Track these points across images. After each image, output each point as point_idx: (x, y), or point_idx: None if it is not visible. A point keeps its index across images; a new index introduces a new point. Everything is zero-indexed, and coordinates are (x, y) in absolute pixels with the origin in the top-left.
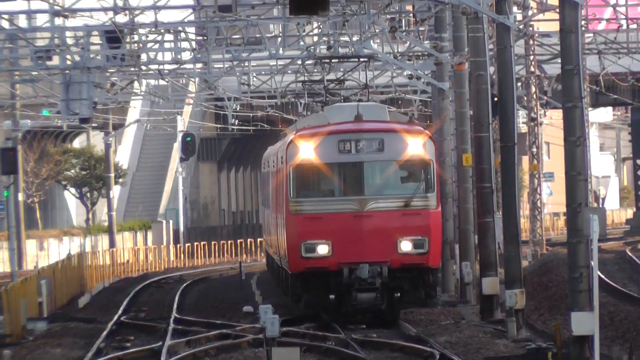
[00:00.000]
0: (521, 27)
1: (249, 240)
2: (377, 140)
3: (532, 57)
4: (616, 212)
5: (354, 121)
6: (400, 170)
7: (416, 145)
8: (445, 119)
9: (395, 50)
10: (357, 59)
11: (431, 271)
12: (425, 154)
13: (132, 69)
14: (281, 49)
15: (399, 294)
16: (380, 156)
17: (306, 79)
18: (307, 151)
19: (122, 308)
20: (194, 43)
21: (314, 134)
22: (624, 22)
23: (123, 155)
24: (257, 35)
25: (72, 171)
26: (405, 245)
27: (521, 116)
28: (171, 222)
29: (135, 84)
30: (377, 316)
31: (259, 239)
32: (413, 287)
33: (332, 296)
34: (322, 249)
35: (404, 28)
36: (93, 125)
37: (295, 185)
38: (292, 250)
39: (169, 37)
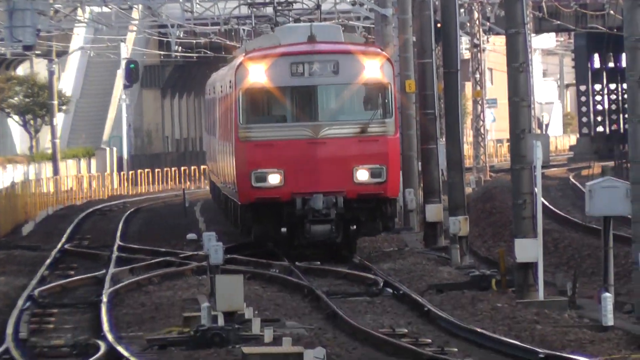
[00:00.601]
0: None
1: (192, 167)
2: (331, 62)
3: None
4: (559, 138)
5: (307, 42)
6: (356, 94)
7: (373, 68)
8: (388, 46)
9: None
10: None
11: (389, 201)
12: (383, 77)
13: None
14: None
15: (355, 226)
16: (334, 79)
17: (241, 11)
18: (258, 74)
19: (65, 236)
20: None
21: (264, 55)
22: None
23: (66, 82)
24: None
25: (16, 99)
26: (362, 175)
27: (464, 42)
28: (115, 149)
29: (79, 11)
30: (332, 250)
31: (202, 167)
32: (370, 219)
33: (284, 229)
34: (274, 179)
35: None
36: (36, 52)
37: (245, 111)
38: (241, 179)
39: None
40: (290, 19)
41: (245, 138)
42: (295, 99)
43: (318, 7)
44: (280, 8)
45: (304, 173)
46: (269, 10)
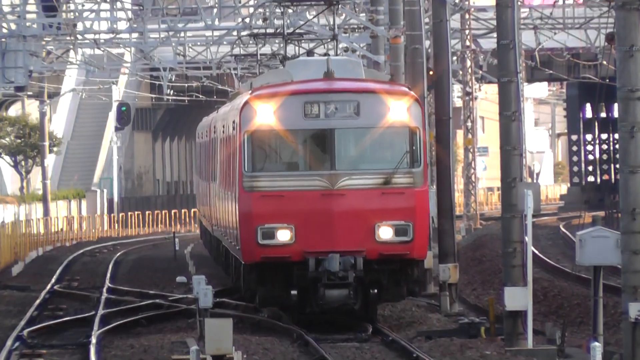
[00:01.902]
0: (457, 1)
1: (183, 210)
2: (351, 102)
3: (467, 32)
4: (550, 187)
5: (324, 79)
6: (379, 139)
7: (399, 109)
8: None
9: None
10: (322, 1)
11: (416, 263)
12: (411, 120)
13: (68, 37)
14: (217, 19)
15: (376, 291)
16: (355, 122)
17: (241, 51)
18: (266, 115)
19: (55, 277)
20: (130, 12)
21: (274, 93)
22: None
23: (58, 124)
24: (193, 6)
25: (7, 139)
26: (385, 232)
27: (456, 90)
28: (105, 191)
29: (71, 52)
30: (349, 317)
31: (192, 209)
32: (393, 283)
33: (293, 292)
34: (283, 235)
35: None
36: (28, 93)
37: (251, 157)
38: (245, 235)
39: (105, 6)
40: (301, 50)
41: (251, 188)
42: (309, 144)
43: (334, 37)
44: (290, 39)
45: (318, 229)
46: (267, 48)
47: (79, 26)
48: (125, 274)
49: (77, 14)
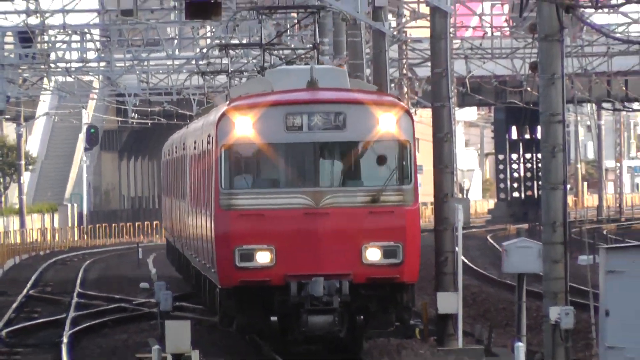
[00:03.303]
0: (395, 33)
1: (146, 223)
2: (337, 114)
3: (404, 61)
4: (479, 202)
5: (307, 89)
6: (367, 154)
7: (388, 122)
8: None
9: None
10: (303, 10)
11: (406, 288)
12: (400, 133)
13: (42, 66)
14: (177, 49)
15: (362, 317)
16: (340, 135)
17: (207, 68)
18: (244, 127)
19: (30, 283)
20: (98, 44)
21: (253, 104)
22: (488, 30)
23: (33, 144)
24: (156, 37)
25: None
26: (373, 254)
27: None
28: (76, 205)
29: (45, 80)
30: (333, 345)
31: (155, 222)
32: (382, 309)
33: (274, 319)
34: (263, 257)
35: (288, 33)
36: (6, 117)
37: (228, 173)
38: (222, 257)
39: (75, 37)
40: (280, 61)
41: (228, 206)
42: (291, 159)
43: (315, 47)
44: (269, 49)
45: (301, 251)
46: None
47: (52, 56)
48: (94, 280)
49: (50, 45)
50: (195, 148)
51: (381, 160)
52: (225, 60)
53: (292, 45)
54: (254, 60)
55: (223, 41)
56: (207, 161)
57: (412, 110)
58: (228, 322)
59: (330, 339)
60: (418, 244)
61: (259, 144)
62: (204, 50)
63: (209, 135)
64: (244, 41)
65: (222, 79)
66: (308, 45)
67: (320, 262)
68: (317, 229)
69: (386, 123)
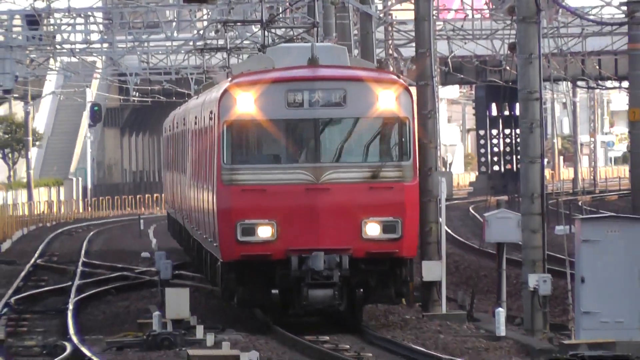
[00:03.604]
0: (381, 15)
1: (147, 195)
2: (337, 91)
3: (390, 42)
4: (461, 175)
5: (308, 66)
6: (366, 130)
7: (388, 99)
8: None
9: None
10: None
11: (405, 262)
12: (400, 110)
13: (48, 47)
14: (176, 31)
15: (362, 291)
16: (341, 112)
17: (196, 60)
18: (246, 104)
19: (37, 253)
20: (101, 26)
21: (254, 81)
22: (469, 12)
23: (40, 121)
24: (155, 20)
25: None
26: (373, 229)
27: None
28: (80, 179)
29: (51, 60)
30: (332, 317)
31: (155, 194)
32: (381, 283)
33: (275, 291)
34: (264, 232)
35: (280, 16)
36: (14, 95)
37: (230, 148)
38: (224, 231)
39: (80, 20)
40: (279, 39)
41: (230, 181)
42: (292, 135)
43: (314, 25)
44: (269, 27)
45: (302, 226)
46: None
47: (58, 38)
48: (98, 250)
49: (55, 27)
50: (196, 124)
51: (381, 136)
52: (222, 40)
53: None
54: (250, 39)
55: (219, 25)
56: (209, 137)
57: None
58: (229, 295)
59: (330, 312)
60: (417, 220)
61: (260, 120)
62: (201, 31)
63: (210, 112)
64: (239, 24)
65: (218, 57)
66: (307, 23)
67: (320, 237)
68: (318, 204)
69: (386, 100)
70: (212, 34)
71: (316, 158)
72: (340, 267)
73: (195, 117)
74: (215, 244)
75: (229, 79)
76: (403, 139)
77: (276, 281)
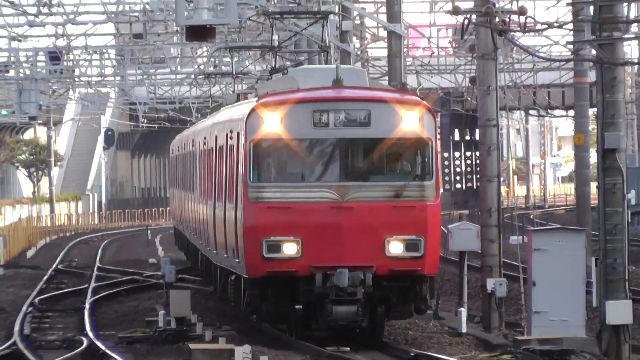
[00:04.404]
0: (359, 52)
1: (154, 209)
2: (362, 112)
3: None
4: None
5: (333, 87)
6: (390, 150)
7: (411, 120)
8: None
9: (264, 67)
10: (313, 15)
11: (425, 279)
12: (423, 131)
13: (68, 80)
14: (179, 66)
15: (383, 308)
16: (366, 132)
17: (197, 91)
18: (273, 123)
19: (59, 259)
20: (114, 61)
21: (281, 101)
22: (435, 50)
23: (61, 144)
24: (162, 56)
25: (23, 156)
26: (396, 247)
27: None
28: (96, 195)
29: (70, 91)
30: (353, 333)
31: (161, 208)
32: (402, 300)
33: (298, 307)
34: (290, 249)
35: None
36: (39, 122)
37: (256, 167)
38: (250, 248)
39: (95, 56)
40: (288, 63)
41: (256, 199)
42: (317, 154)
43: (323, 49)
44: (280, 51)
45: (326, 243)
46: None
47: (76, 72)
48: (111, 257)
49: (75, 62)
50: (204, 144)
51: (404, 156)
52: (225, 67)
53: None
54: (254, 65)
55: (217, 60)
56: (233, 155)
57: None
58: (252, 310)
59: (352, 328)
60: (438, 238)
61: (286, 139)
62: (202, 66)
63: (231, 131)
64: (235, 59)
65: (220, 85)
66: (317, 48)
67: (344, 254)
68: (342, 222)
69: (409, 121)
70: (211, 68)
71: (341, 177)
72: (364, 284)
73: (204, 138)
74: (237, 260)
75: (255, 98)
76: (426, 159)
77: (300, 297)
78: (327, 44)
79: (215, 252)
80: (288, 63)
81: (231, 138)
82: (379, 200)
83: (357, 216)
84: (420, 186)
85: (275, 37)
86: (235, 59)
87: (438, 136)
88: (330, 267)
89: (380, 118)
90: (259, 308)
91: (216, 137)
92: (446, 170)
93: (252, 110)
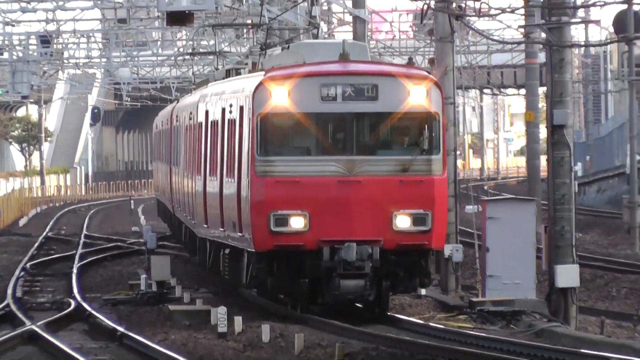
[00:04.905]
0: (326, 36)
1: (136, 181)
2: (369, 86)
3: None
4: None
5: (339, 61)
6: (398, 124)
7: (419, 94)
8: None
9: (245, 47)
10: None
11: (430, 253)
12: (430, 105)
13: (57, 62)
14: (160, 49)
15: (389, 282)
16: (373, 106)
17: (177, 71)
18: (280, 97)
19: (49, 227)
20: (100, 44)
21: (288, 75)
22: (397, 33)
23: (51, 121)
24: (144, 40)
25: (16, 132)
26: (403, 221)
27: None
28: (83, 168)
29: (59, 72)
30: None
31: (143, 180)
32: (408, 274)
33: (305, 281)
34: (297, 222)
35: (245, 37)
36: (30, 100)
37: (264, 140)
38: (257, 222)
39: (83, 40)
40: (279, 40)
41: (264, 172)
42: (325, 128)
43: (314, 26)
44: (271, 28)
45: (334, 217)
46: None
47: (65, 54)
48: (97, 225)
49: (64, 45)
50: (191, 119)
51: (412, 130)
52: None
53: (242, 47)
54: (233, 46)
55: (195, 42)
56: (238, 130)
57: None
58: (256, 284)
59: (358, 302)
60: (446, 212)
61: (294, 113)
62: (181, 48)
63: (230, 105)
64: (211, 42)
65: (199, 65)
66: (307, 25)
67: (352, 228)
68: (350, 196)
69: (417, 95)
70: (189, 51)
71: (349, 151)
72: (371, 258)
73: (190, 113)
74: (239, 234)
75: (262, 72)
76: (433, 134)
77: (306, 271)
78: (318, 22)
79: (205, 225)
80: (276, 40)
81: (230, 112)
82: (387, 175)
83: (364, 190)
84: (427, 160)
85: (265, 13)
86: (214, 41)
87: (444, 110)
88: (337, 241)
89: (387, 92)
90: (265, 282)
91: (207, 112)
92: None
93: (260, 84)
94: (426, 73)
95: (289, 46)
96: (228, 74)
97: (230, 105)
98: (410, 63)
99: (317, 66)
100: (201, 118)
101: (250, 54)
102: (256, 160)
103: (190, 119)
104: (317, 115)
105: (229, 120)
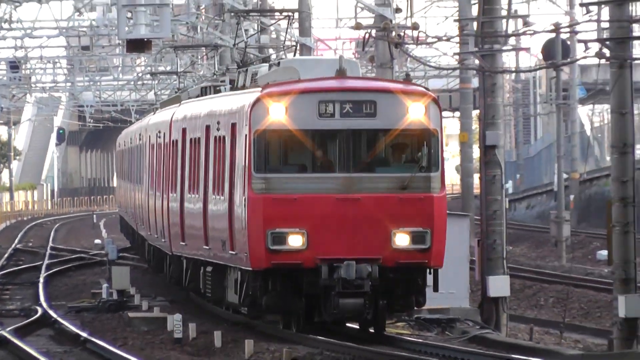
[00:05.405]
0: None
1: (98, 197)
2: (367, 102)
3: None
4: None
5: (336, 77)
6: (396, 141)
7: (417, 110)
8: None
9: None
10: (279, 12)
11: (427, 273)
12: (429, 122)
13: (26, 85)
14: (121, 74)
15: (385, 301)
16: (371, 123)
17: (137, 94)
18: (278, 113)
19: (17, 239)
20: (65, 70)
21: (286, 91)
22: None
23: (19, 141)
24: (106, 65)
25: None
26: (402, 239)
27: None
28: (49, 184)
29: (27, 95)
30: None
31: (104, 196)
32: (405, 292)
33: (302, 300)
34: (295, 240)
35: (200, 62)
36: (0, 121)
37: (260, 157)
38: (254, 240)
39: (49, 66)
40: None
41: (261, 190)
42: (323, 145)
43: (296, 46)
44: (248, 46)
45: (332, 235)
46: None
47: (33, 79)
48: (62, 238)
49: (31, 70)
50: (159, 137)
51: (410, 147)
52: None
53: (204, 72)
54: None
55: (153, 68)
56: (220, 147)
57: None
58: (251, 302)
59: (356, 320)
60: (444, 230)
61: (291, 129)
62: (140, 74)
63: (218, 122)
64: (168, 68)
65: (156, 89)
66: (290, 43)
67: (350, 246)
68: (348, 214)
69: (415, 111)
70: (148, 75)
71: (347, 168)
72: (370, 276)
73: (159, 132)
74: (231, 252)
75: (259, 89)
76: (432, 151)
77: (304, 289)
78: (296, 41)
79: (182, 242)
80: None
81: (218, 129)
82: (385, 192)
83: (363, 208)
84: (426, 178)
85: (242, 32)
86: (170, 67)
87: (443, 127)
88: (336, 259)
89: (386, 109)
90: (258, 300)
91: (184, 129)
92: None
93: (257, 100)
94: (424, 89)
95: (279, 63)
96: (204, 91)
97: (218, 122)
98: (408, 79)
99: (315, 82)
100: (176, 136)
101: (227, 70)
102: (253, 177)
103: (159, 137)
104: (315, 132)
105: (215, 137)
